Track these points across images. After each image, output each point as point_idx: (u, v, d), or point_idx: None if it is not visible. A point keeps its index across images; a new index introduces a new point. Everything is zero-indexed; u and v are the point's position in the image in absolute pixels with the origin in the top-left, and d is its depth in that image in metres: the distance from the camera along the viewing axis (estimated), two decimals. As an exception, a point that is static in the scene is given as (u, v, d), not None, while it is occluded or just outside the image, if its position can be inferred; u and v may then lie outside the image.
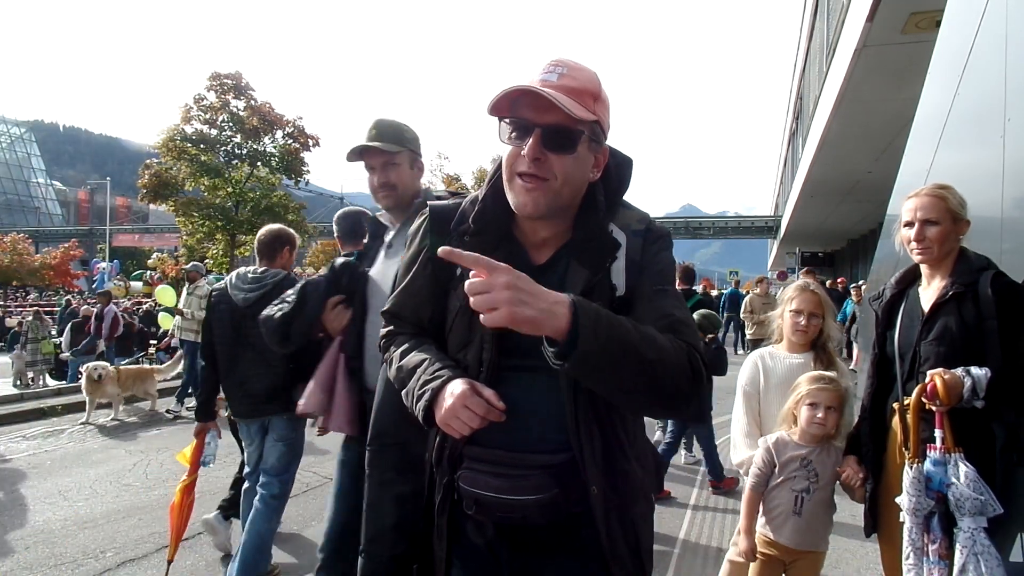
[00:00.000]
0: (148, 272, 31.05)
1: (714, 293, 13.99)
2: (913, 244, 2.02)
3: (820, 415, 2.16)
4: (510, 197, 1.13)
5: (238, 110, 12.51)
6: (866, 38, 6.62)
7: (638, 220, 1.20)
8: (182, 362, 8.13)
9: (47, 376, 10.84)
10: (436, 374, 1.13)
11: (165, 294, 9.25)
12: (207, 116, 12.29)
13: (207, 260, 13.86)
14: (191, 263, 8.83)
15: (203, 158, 12.11)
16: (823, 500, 2.24)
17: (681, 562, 3.42)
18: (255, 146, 12.61)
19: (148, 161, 12.61)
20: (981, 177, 2.88)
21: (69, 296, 21.94)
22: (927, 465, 1.78)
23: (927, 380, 1.79)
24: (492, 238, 1.17)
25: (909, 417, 1.86)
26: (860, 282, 10.92)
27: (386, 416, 1.35)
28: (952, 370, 1.78)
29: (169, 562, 3.13)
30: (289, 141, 12.98)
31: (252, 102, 12.62)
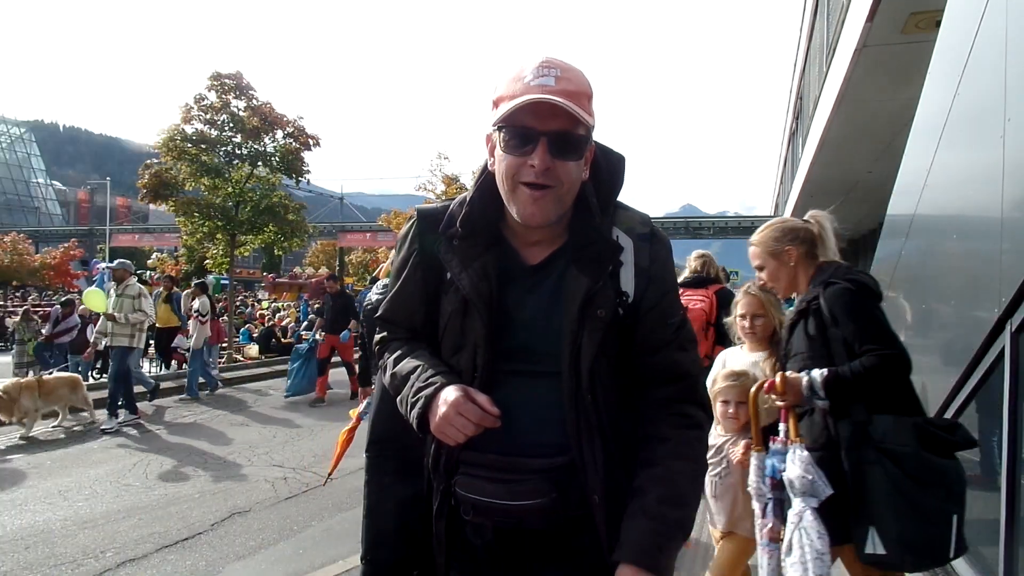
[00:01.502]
0: (148, 272, 31.04)
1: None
2: (768, 285, 2.33)
3: (731, 410, 2.47)
4: (513, 207, 1.10)
5: (239, 110, 12.49)
6: (866, 38, 6.61)
7: (641, 223, 1.18)
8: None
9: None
10: (429, 381, 1.11)
11: (93, 298, 7.87)
12: (207, 116, 12.27)
13: (207, 260, 13.84)
14: (118, 260, 7.90)
15: (203, 158, 12.09)
16: (732, 484, 2.47)
17: (681, 562, 3.42)
18: (255, 146, 12.58)
19: (148, 161, 12.57)
20: (981, 177, 2.88)
21: (68, 296, 21.93)
22: (769, 456, 1.97)
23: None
24: (482, 240, 1.16)
25: (750, 409, 2.11)
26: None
27: (384, 421, 1.35)
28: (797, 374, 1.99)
29: (329, 475, 3.43)
30: (289, 141, 12.97)
31: (253, 102, 12.60)
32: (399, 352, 1.24)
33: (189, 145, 12.03)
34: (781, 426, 1.98)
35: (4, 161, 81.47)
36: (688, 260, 4.83)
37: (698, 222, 41.11)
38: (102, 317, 7.25)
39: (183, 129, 12.16)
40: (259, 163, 12.70)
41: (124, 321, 7.02)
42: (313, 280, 35.87)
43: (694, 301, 4.59)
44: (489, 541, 1.15)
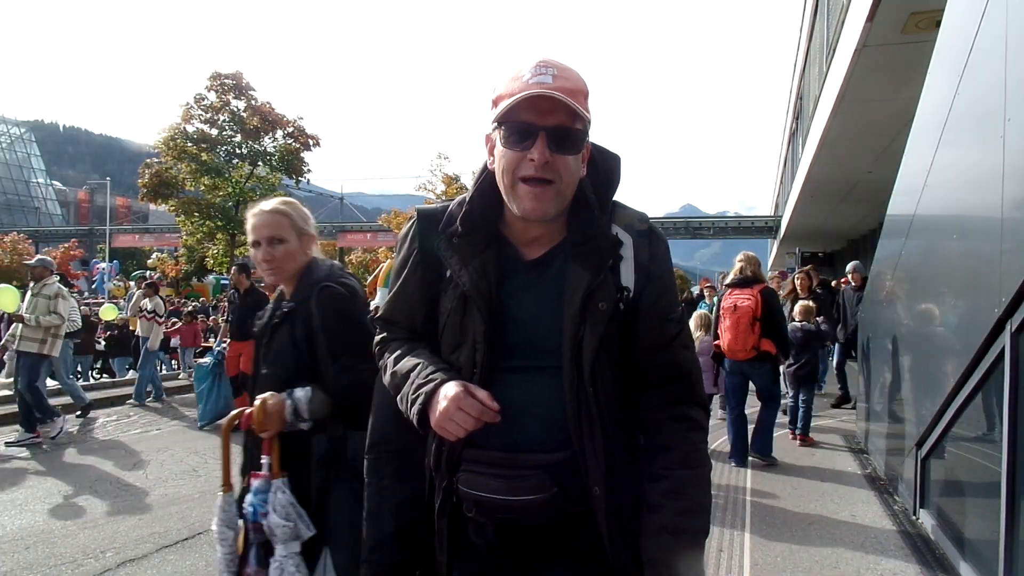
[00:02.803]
0: (148, 272, 31.04)
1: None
2: (263, 264, 1.91)
3: None
4: (513, 203, 1.12)
5: (238, 110, 12.51)
6: (866, 38, 6.62)
7: (639, 220, 1.20)
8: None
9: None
10: (429, 378, 1.12)
11: (4, 296, 6.90)
12: (207, 116, 12.29)
13: (207, 260, 13.85)
14: (37, 257, 6.94)
15: (203, 157, 12.10)
16: None
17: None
18: (255, 146, 12.60)
19: (148, 161, 12.61)
20: (981, 177, 2.88)
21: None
22: (249, 496, 1.73)
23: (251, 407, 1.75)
24: (481, 238, 1.17)
25: (222, 445, 1.83)
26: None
27: (383, 423, 1.34)
28: (278, 394, 1.74)
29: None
30: (289, 141, 12.98)
31: (252, 102, 12.62)
32: (399, 352, 1.24)
33: (189, 144, 12.05)
34: (264, 459, 1.73)
35: (4, 161, 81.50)
36: (734, 262, 5.41)
37: (698, 222, 41.06)
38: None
39: (183, 129, 12.19)
40: (259, 163, 12.71)
41: (35, 324, 6.15)
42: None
43: (742, 299, 5.10)
44: (491, 539, 1.15)
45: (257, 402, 1.72)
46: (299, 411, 1.71)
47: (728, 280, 5.45)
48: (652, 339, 1.16)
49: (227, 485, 1.80)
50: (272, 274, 1.91)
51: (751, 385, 5.37)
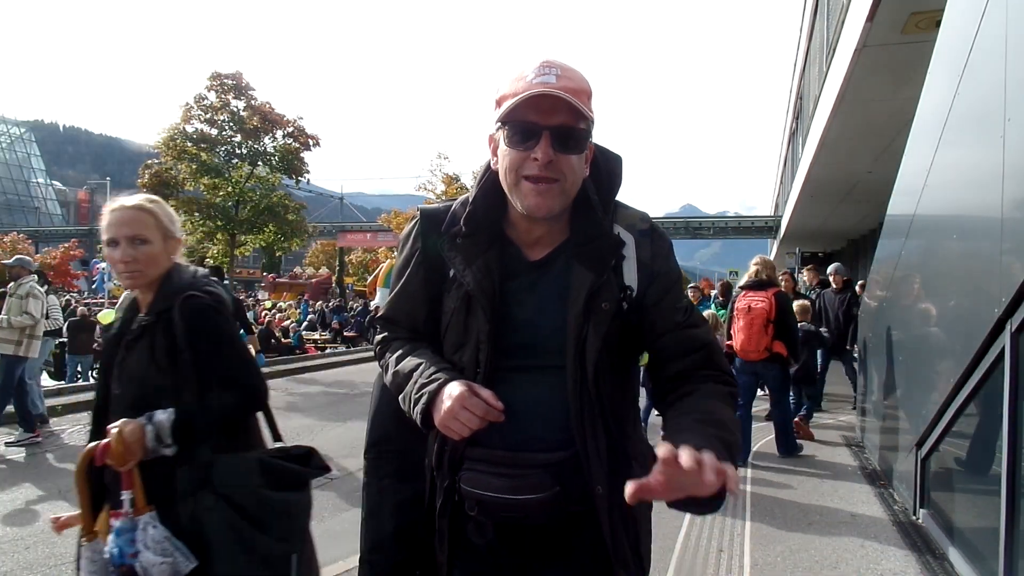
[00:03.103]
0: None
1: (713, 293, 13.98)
2: (120, 267, 1.68)
3: None
4: (517, 201, 1.12)
5: (238, 110, 12.51)
6: (866, 38, 6.61)
7: (641, 220, 1.21)
8: None
9: (46, 375, 10.85)
10: (432, 377, 1.12)
11: None
12: (207, 116, 12.29)
13: (207, 260, 13.86)
14: (16, 257, 6.70)
15: (203, 157, 12.11)
16: None
17: (681, 562, 3.42)
18: (255, 146, 12.60)
19: (148, 161, 12.61)
20: (981, 177, 2.88)
21: (68, 296, 21.93)
22: (111, 538, 1.52)
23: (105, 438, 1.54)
24: (484, 238, 1.17)
25: (76, 486, 1.61)
26: (860, 281, 10.87)
27: (383, 423, 1.34)
28: (135, 419, 1.54)
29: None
30: (289, 141, 12.98)
31: (252, 102, 12.62)
32: (400, 351, 1.25)
33: (189, 144, 12.05)
34: (124, 495, 1.53)
35: (4, 161, 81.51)
36: (749, 265, 5.59)
37: (698, 222, 41.05)
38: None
39: (183, 129, 12.18)
40: (259, 163, 12.71)
41: (7, 325, 5.95)
42: (314, 280, 35.89)
43: (756, 301, 5.24)
44: (491, 539, 1.16)
45: (113, 431, 1.51)
46: (161, 436, 1.53)
47: (742, 282, 5.59)
48: (664, 325, 1.17)
49: (91, 533, 1.60)
50: (129, 278, 1.68)
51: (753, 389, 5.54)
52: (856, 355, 7.28)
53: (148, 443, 1.52)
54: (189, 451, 1.56)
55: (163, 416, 1.54)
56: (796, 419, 6.08)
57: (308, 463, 1.72)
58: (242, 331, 6.66)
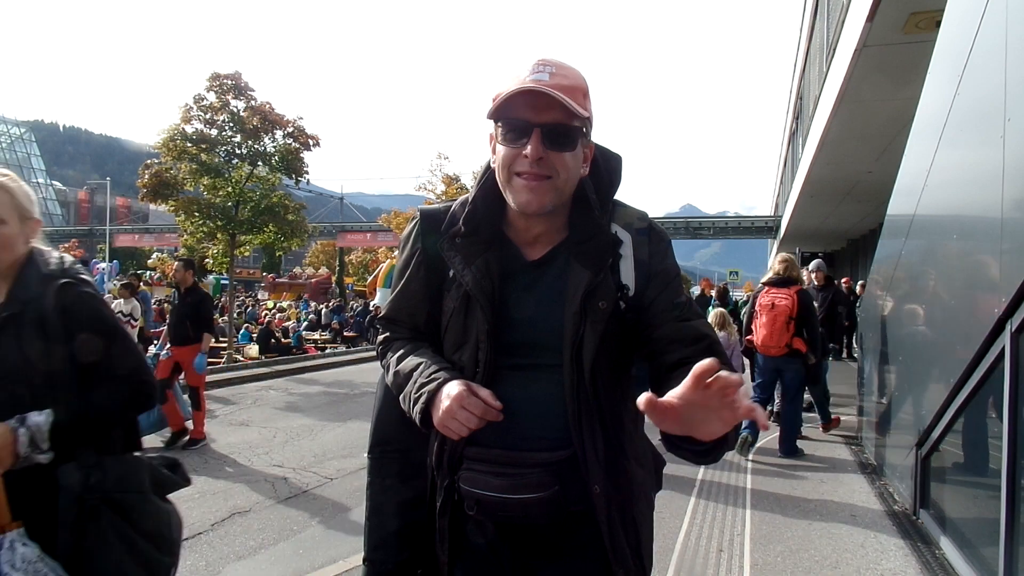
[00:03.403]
0: (148, 272, 31.06)
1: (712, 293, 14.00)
2: None
3: None
4: (510, 197, 1.13)
5: (238, 110, 12.49)
6: (866, 38, 6.61)
7: (639, 219, 1.21)
8: None
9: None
10: (432, 377, 1.13)
11: None
12: (207, 116, 12.27)
13: (207, 260, 13.84)
14: None
15: (203, 157, 12.09)
16: None
17: (681, 562, 3.42)
18: (255, 146, 12.59)
19: (148, 161, 12.57)
20: (981, 177, 2.88)
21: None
22: None
23: None
24: (483, 238, 1.18)
25: None
26: (860, 282, 10.87)
27: (387, 423, 1.35)
28: (3, 423, 1.33)
29: None
30: (289, 141, 12.97)
31: (252, 102, 12.60)
32: (401, 351, 1.25)
33: (189, 145, 12.03)
34: None
35: (4, 161, 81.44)
36: (772, 262, 5.65)
37: (698, 222, 41.03)
38: None
39: (183, 129, 12.16)
40: (259, 163, 12.70)
41: None
42: (314, 280, 35.88)
43: (779, 298, 5.30)
44: (492, 538, 1.16)
45: None
46: (36, 440, 1.33)
47: (766, 279, 5.67)
48: (661, 320, 1.15)
49: None
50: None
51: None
52: (840, 353, 7.20)
53: (21, 449, 1.32)
54: (68, 455, 1.40)
55: (39, 418, 1.35)
56: (821, 426, 6.32)
57: (176, 472, 1.63)
58: (201, 331, 6.12)
